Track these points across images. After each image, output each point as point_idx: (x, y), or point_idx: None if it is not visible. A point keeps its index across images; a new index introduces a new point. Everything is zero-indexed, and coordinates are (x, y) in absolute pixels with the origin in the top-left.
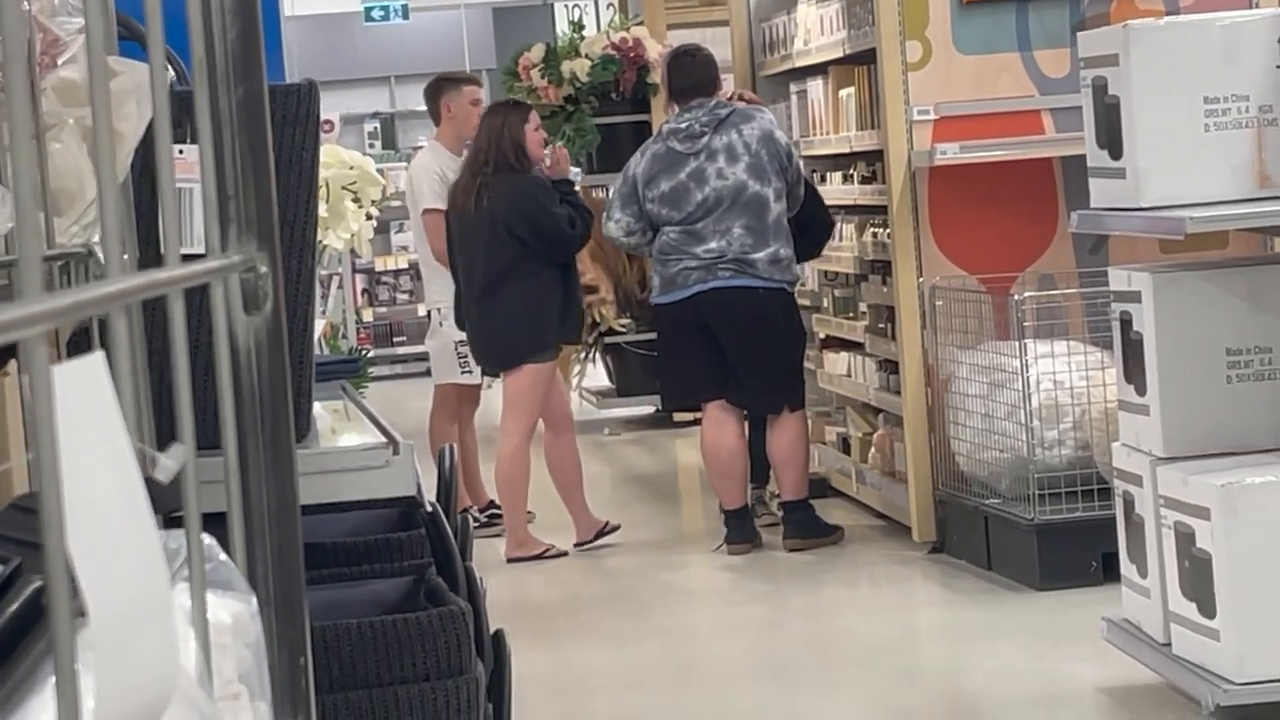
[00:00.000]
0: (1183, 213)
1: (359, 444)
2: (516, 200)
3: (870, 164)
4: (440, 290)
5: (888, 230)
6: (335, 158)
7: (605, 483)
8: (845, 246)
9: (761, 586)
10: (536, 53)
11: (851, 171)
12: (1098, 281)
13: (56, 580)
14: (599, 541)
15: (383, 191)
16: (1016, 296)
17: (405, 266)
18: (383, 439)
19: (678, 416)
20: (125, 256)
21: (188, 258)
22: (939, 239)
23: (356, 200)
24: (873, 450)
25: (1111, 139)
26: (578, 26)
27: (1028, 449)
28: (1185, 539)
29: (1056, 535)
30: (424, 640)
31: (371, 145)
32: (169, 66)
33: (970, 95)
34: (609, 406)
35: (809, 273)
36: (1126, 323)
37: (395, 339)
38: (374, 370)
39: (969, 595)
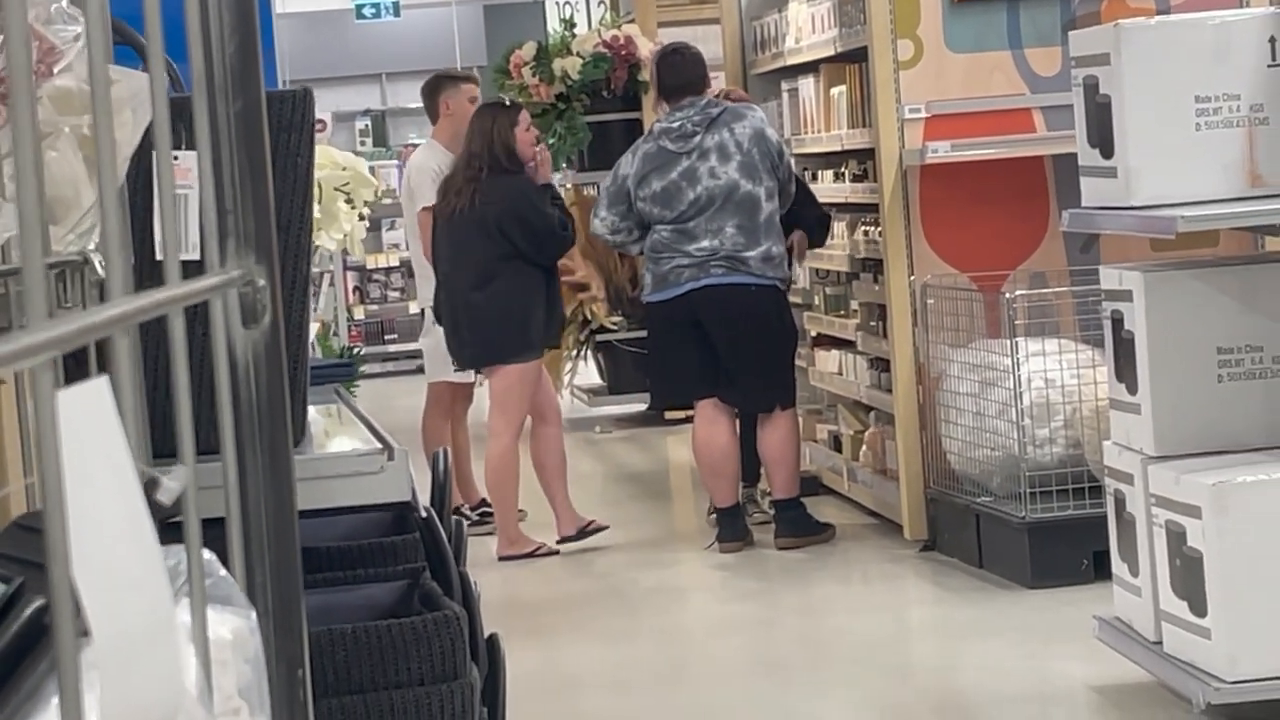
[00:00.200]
0: (1174, 212)
1: (354, 450)
2: (511, 201)
3: (862, 162)
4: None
5: (879, 228)
6: (328, 159)
7: (596, 481)
8: (837, 244)
9: (753, 585)
10: (528, 50)
11: (843, 169)
12: (1089, 280)
13: (61, 604)
14: (585, 541)
15: (375, 192)
16: (1008, 295)
17: (396, 264)
18: (377, 445)
19: (669, 414)
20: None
21: (184, 264)
22: (930, 237)
23: (349, 201)
24: (864, 448)
25: (1103, 138)
26: (569, 24)
27: (1019, 447)
28: (1176, 537)
29: (1048, 533)
30: (419, 645)
31: (363, 143)
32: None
33: (961, 94)
34: (600, 404)
35: (800, 270)
36: (1118, 322)
37: (386, 336)
38: (365, 368)
39: (960, 593)
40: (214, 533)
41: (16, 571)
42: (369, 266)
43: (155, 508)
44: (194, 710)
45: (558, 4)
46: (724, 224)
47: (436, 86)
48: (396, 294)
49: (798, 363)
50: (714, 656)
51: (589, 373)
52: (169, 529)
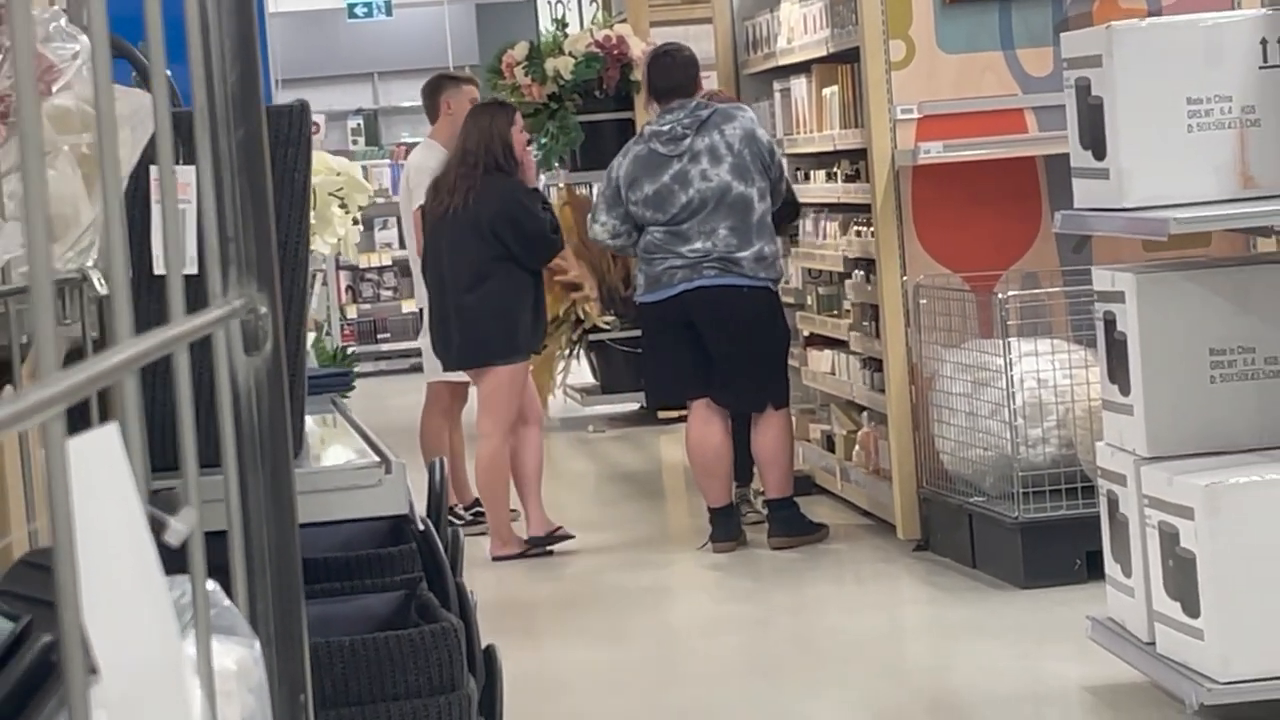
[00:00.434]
0: (1166, 213)
1: (351, 463)
2: (504, 203)
3: (854, 162)
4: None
5: (871, 229)
6: (322, 163)
7: (590, 480)
8: (829, 245)
9: (746, 584)
10: (520, 50)
11: (835, 170)
12: (1081, 280)
13: (72, 650)
14: (578, 541)
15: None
16: (1000, 295)
17: (389, 263)
18: (375, 458)
19: (662, 414)
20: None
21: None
22: (923, 237)
23: (343, 206)
24: (857, 448)
25: (1095, 139)
26: (561, 24)
27: (1012, 447)
28: (1169, 538)
29: (1041, 533)
30: (416, 657)
31: (355, 141)
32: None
33: (953, 94)
34: (593, 403)
35: (793, 270)
36: (1110, 323)
37: (379, 335)
38: (358, 367)
39: (953, 593)
40: (212, 547)
41: (24, 609)
42: (361, 266)
43: (162, 548)
44: None
45: (550, 4)
46: (716, 226)
47: (438, 86)
48: (389, 293)
49: (791, 363)
50: (707, 656)
51: (582, 372)
52: (172, 555)
